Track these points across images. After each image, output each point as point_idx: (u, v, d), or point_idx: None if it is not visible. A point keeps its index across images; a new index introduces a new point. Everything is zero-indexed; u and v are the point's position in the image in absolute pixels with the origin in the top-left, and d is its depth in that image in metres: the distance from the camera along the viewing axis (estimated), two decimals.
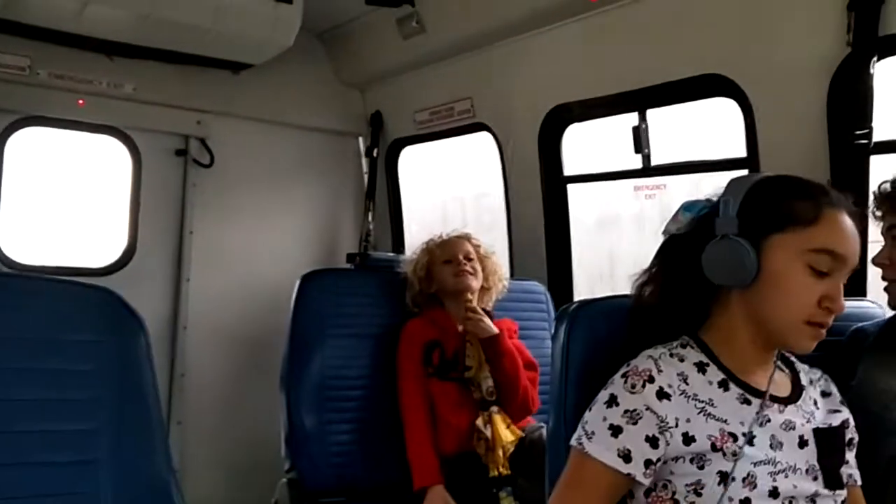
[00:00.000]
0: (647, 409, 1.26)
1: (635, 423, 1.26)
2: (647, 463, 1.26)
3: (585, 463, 1.28)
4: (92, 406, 1.05)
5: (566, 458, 1.42)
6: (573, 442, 1.30)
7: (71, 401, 1.05)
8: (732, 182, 1.35)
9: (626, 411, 1.27)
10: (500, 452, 2.43)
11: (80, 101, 3.25)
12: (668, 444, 1.26)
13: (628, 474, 1.26)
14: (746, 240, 1.29)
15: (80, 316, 1.09)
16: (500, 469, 2.42)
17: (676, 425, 1.26)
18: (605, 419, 1.28)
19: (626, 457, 1.25)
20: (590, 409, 1.31)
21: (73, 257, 3.53)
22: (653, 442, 1.26)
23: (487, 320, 2.54)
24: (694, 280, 1.35)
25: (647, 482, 1.27)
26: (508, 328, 2.71)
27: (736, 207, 1.31)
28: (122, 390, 1.08)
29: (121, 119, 3.38)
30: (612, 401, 1.28)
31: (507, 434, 2.46)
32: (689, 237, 1.38)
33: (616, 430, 1.26)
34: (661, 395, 1.27)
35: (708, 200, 1.39)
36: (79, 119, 3.31)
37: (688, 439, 1.26)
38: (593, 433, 1.28)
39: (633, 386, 1.28)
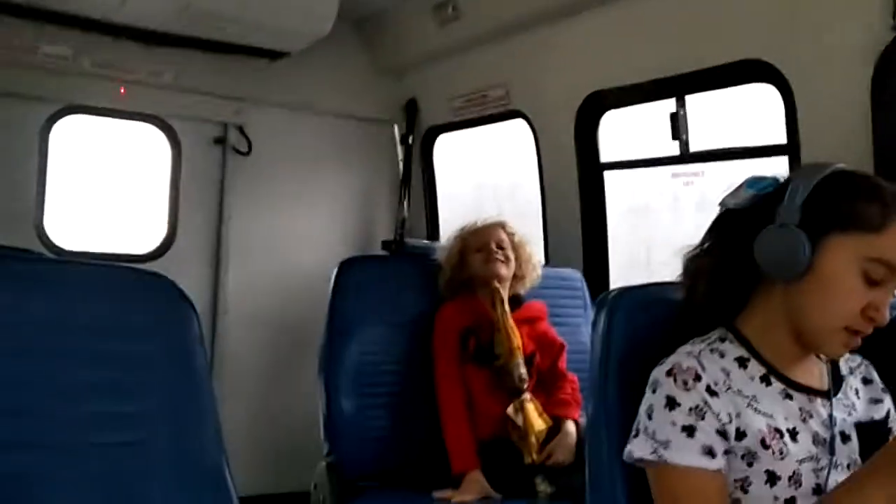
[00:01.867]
0: (706, 403, 1.23)
1: (703, 418, 1.22)
2: (726, 454, 1.23)
3: (671, 474, 1.23)
4: (146, 388, 1.07)
5: (606, 446, 1.42)
6: (648, 457, 1.24)
7: (126, 383, 1.07)
8: (806, 169, 1.29)
9: (690, 409, 1.23)
10: (533, 440, 2.43)
11: (122, 90, 3.29)
12: (727, 438, 1.23)
13: (718, 470, 1.22)
14: (805, 233, 1.23)
15: (135, 301, 1.11)
16: (535, 455, 2.43)
17: (730, 420, 1.23)
18: (673, 423, 1.23)
19: (710, 452, 1.22)
20: (649, 418, 1.26)
21: (116, 244, 3.60)
22: (722, 434, 1.23)
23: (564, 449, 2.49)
24: (741, 261, 1.30)
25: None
26: (538, 310, 2.71)
27: (804, 196, 1.24)
28: (176, 374, 1.10)
29: (160, 107, 3.43)
30: (672, 402, 1.24)
31: (539, 422, 2.47)
32: (746, 214, 1.31)
33: (690, 430, 1.22)
34: (711, 392, 1.24)
35: (775, 179, 1.31)
36: (120, 108, 3.36)
37: (740, 434, 1.23)
38: (668, 440, 1.23)
39: (686, 383, 1.24)
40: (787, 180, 1.29)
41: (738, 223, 1.32)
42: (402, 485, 2.53)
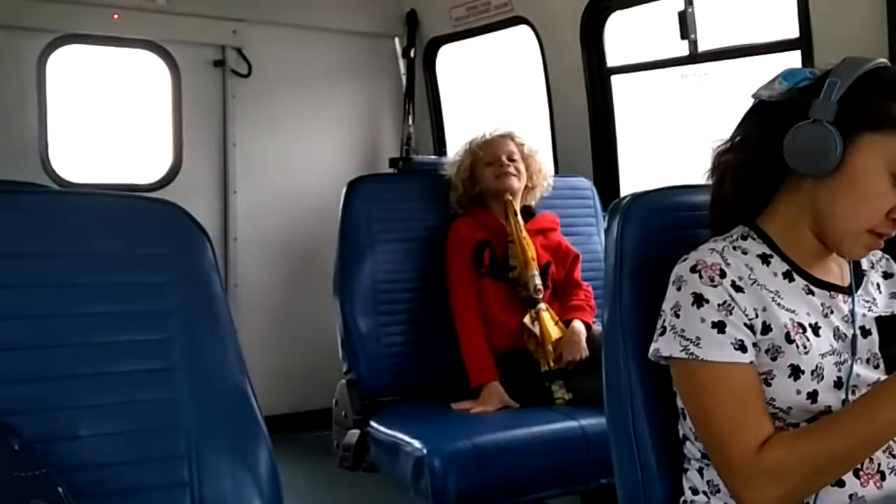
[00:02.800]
0: (732, 299, 1.23)
1: (731, 313, 1.22)
2: (754, 347, 1.24)
3: (705, 371, 1.23)
4: (165, 316, 1.09)
5: (623, 351, 1.44)
6: (678, 354, 1.24)
7: (145, 312, 1.08)
8: (845, 63, 1.24)
9: (718, 305, 1.23)
10: (550, 348, 2.47)
11: (115, 16, 3.24)
12: (754, 333, 1.24)
13: (751, 363, 1.23)
14: (838, 129, 1.20)
15: (148, 229, 1.11)
16: (551, 363, 2.46)
17: (756, 315, 1.24)
18: (702, 320, 1.22)
19: (742, 347, 1.22)
20: (676, 315, 1.25)
21: (123, 175, 3.59)
22: (750, 328, 1.23)
23: (574, 347, 2.49)
24: (769, 157, 1.28)
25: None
26: (551, 221, 2.72)
27: (840, 93, 1.21)
28: (193, 301, 1.11)
29: (156, 32, 3.38)
30: (699, 299, 1.23)
31: (555, 330, 2.49)
32: (779, 108, 1.28)
33: (720, 326, 1.22)
34: (736, 288, 1.24)
35: (811, 73, 1.28)
36: (115, 35, 3.31)
37: (765, 328, 1.24)
38: (699, 337, 1.22)
39: (712, 279, 1.24)
40: (825, 74, 1.25)
41: (770, 116, 1.29)
42: (421, 398, 2.58)
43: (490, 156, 2.67)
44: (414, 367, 2.63)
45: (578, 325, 2.52)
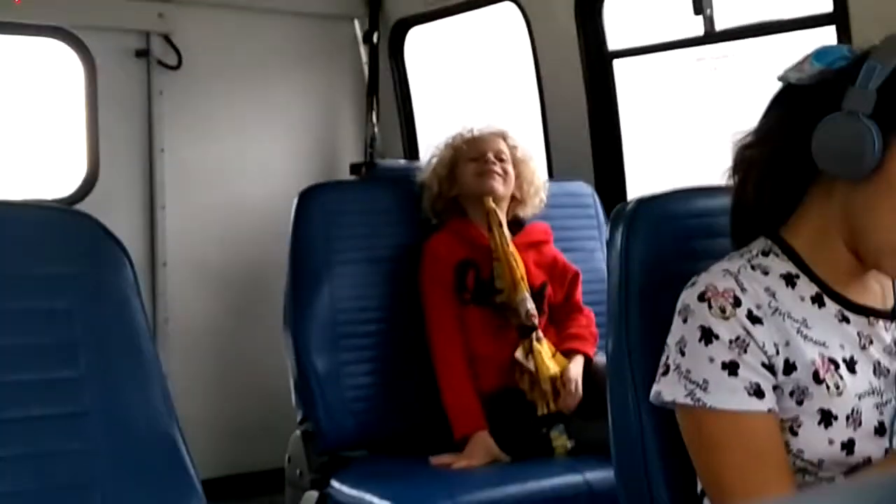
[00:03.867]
0: (748, 333, 1.22)
1: (746, 351, 1.22)
2: (775, 391, 1.23)
3: (713, 420, 1.23)
4: (74, 350, 1.07)
5: (631, 387, 1.44)
6: (682, 400, 1.24)
7: (48, 345, 1.07)
8: (888, 43, 1.22)
9: (730, 341, 1.22)
10: (548, 387, 2.47)
11: None
12: (774, 373, 1.23)
13: (769, 410, 1.22)
14: (877, 124, 1.19)
15: (51, 245, 1.10)
16: (550, 405, 2.46)
17: (777, 352, 1.23)
18: (711, 359, 1.22)
19: (758, 392, 1.21)
20: (681, 353, 1.25)
21: (24, 188, 3.57)
22: (770, 368, 1.22)
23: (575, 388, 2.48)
24: (797, 152, 1.27)
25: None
26: (543, 232, 2.74)
27: (881, 79, 1.20)
28: (109, 330, 1.10)
29: (65, 17, 3.36)
30: (708, 334, 1.23)
31: (551, 365, 2.50)
32: (810, 93, 1.27)
33: (732, 367, 1.22)
34: (753, 319, 1.23)
35: (850, 51, 1.27)
36: (15, 20, 3.29)
37: (789, 367, 1.23)
38: (706, 381, 1.22)
39: (723, 310, 1.23)
40: (864, 55, 1.24)
41: (799, 104, 1.29)
42: (392, 452, 2.57)
43: (475, 151, 2.68)
44: (383, 414, 2.63)
45: (578, 362, 2.53)
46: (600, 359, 2.50)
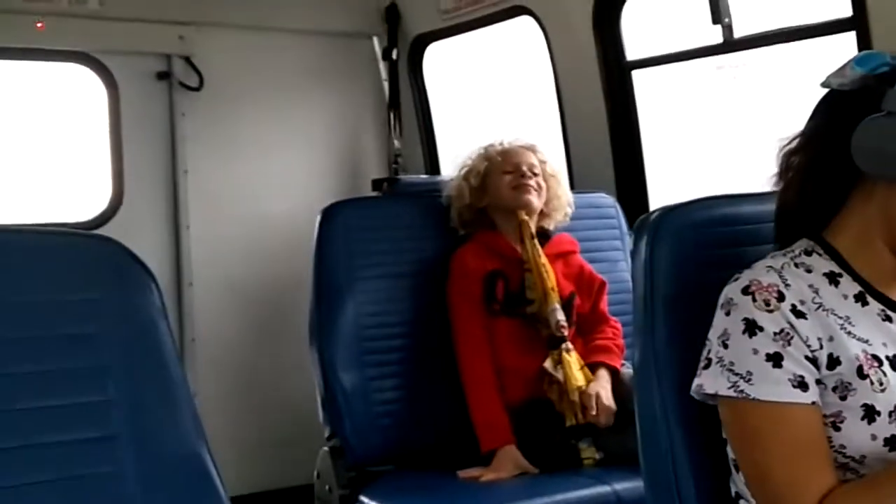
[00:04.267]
0: (792, 327, 1.23)
1: (790, 344, 1.23)
2: (818, 385, 1.24)
3: (757, 411, 1.23)
4: (102, 374, 1.08)
5: (659, 397, 1.43)
6: (725, 392, 1.25)
7: (78, 370, 1.07)
8: None
9: (775, 334, 1.23)
10: (576, 398, 2.45)
11: (39, 25, 3.26)
12: (818, 367, 1.24)
13: (812, 403, 1.23)
14: None
15: (80, 271, 1.10)
16: (578, 416, 2.45)
17: (821, 346, 1.24)
18: (755, 351, 1.23)
19: (802, 384, 1.22)
20: (724, 346, 1.26)
21: (52, 212, 3.59)
22: (813, 361, 1.23)
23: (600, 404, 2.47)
24: (839, 156, 1.29)
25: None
26: (570, 243, 2.74)
27: None
28: (136, 354, 1.10)
29: (88, 42, 3.39)
30: (752, 326, 1.24)
31: (580, 376, 2.48)
32: (852, 98, 1.29)
33: (776, 359, 1.23)
34: (797, 313, 1.24)
35: (893, 58, 1.29)
36: (39, 46, 3.32)
37: (832, 361, 1.24)
38: (749, 373, 1.23)
39: (767, 303, 1.24)
40: None
41: (841, 109, 1.31)
42: (420, 466, 2.56)
43: (509, 164, 2.69)
44: (410, 428, 2.63)
45: (604, 375, 2.52)
46: (627, 370, 2.49)
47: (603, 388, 2.47)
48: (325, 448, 2.62)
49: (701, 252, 1.48)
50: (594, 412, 2.43)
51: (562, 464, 2.43)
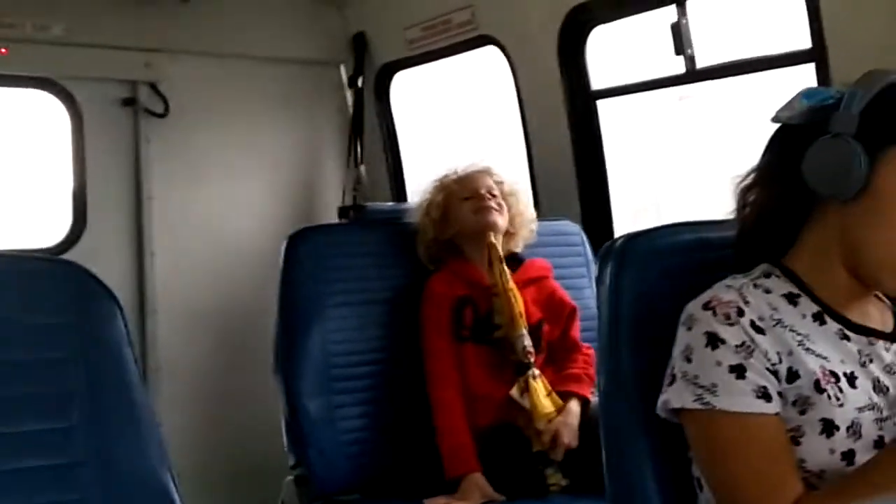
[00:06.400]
0: (752, 340, 1.26)
1: (752, 356, 1.25)
2: (780, 397, 1.26)
3: (722, 422, 1.25)
4: (66, 400, 1.07)
5: (625, 422, 1.44)
6: (691, 405, 1.26)
7: (41, 395, 1.06)
8: (868, 75, 1.30)
9: (736, 346, 1.25)
10: (541, 425, 2.45)
11: (3, 50, 3.23)
12: (778, 380, 1.26)
13: (776, 413, 1.25)
14: (862, 145, 1.25)
15: (43, 295, 1.10)
16: (545, 442, 2.45)
17: (780, 360, 1.26)
18: (718, 363, 1.25)
19: (766, 394, 1.24)
20: (687, 360, 1.28)
21: (12, 238, 3.55)
22: (774, 374, 1.26)
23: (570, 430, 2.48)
24: (792, 186, 1.32)
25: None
26: (542, 268, 2.75)
27: (862, 104, 1.26)
28: (100, 379, 1.09)
29: (53, 68, 3.37)
30: (714, 339, 1.26)
31: (546, 403, 2.48)
32: (801, 131, 1.33)
33: (739, 370, 1.25)
34: (756, 328, 1.27)
35: (837, 91, 1.33)
36: (3, 72, 3.30)
37: (791, 375, 1.26)
38: (714, 385, 1.25)
39: (728, 317, 1.27)
40: (847, 91, 1.31)
41: (791, 140, 1.34)
42: (387, 496, 2.55)
43: (467, 190, 2.70)
44: (377, 456, 2.61)
45: (574, 405, 2.51)
46: (596, 398, 2.49)
47: (567, 424, 2.47)
48: (290, 477, 2.60)
49: (666, 279, 1.49)
50: (548, 447, 2.44)
51: (528, 490, 2.43)
